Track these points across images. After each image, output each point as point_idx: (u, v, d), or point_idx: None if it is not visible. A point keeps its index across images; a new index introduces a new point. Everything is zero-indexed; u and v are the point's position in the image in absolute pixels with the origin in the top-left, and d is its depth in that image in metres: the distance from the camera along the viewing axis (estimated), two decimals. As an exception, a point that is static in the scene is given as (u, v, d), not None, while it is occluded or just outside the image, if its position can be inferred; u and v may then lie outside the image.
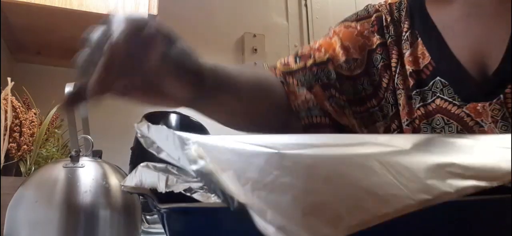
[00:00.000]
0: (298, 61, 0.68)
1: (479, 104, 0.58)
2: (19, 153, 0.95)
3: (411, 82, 0.65)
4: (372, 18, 0.71)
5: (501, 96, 0.57)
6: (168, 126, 1.30)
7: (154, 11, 1.19)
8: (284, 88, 0.67)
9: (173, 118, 1.30)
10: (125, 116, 1.54)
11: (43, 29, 1.31)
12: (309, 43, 1.83)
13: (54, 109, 1.05)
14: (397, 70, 0.67)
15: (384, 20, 0.70)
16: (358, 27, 0.71)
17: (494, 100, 0.57)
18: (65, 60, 1.45)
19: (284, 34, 1.85)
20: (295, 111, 0.67)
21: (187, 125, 1.30)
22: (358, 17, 0.73)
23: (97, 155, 0.77)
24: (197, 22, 1.73)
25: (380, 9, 0.72)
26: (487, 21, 0.61)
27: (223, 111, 0.60)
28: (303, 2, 1.90)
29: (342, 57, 0.68)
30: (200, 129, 1.29)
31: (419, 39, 0.66)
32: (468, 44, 0.61)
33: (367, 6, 0.75)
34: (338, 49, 0.68)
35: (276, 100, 0.66)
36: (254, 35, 1.77)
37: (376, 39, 0.69)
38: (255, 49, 1.74)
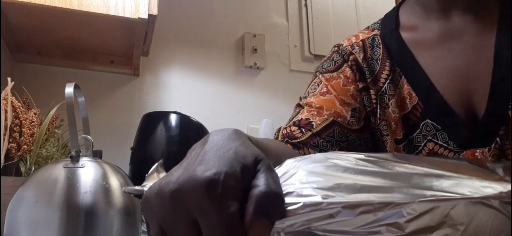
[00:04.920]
0: (304, 131, 0.64)
1: (478, 150, 0.55)
2: (19, 153, 0.95)
3: (400, 126, 0.62)
4: (350, 63, 0.68)
5: (498, 139, 0.54)
6: (168, 126, 1.30)
7: (154, 11, 1.18)
8: None
9: (173, 118, 1.30)
10: (125, 116, 1.54)
11: (43, 29, 1.31)
12: (309, 43, 1.83)
13: (54, 109, 1.05)
14: (377, 115, 0.65)
15: (361, 61, 0.67)
16: (341, 76, 0.68)
17: (493, 145, 0.54)
18: (65, 60, 1.47)
19: (284, 34, 1.85)
20: None
21: (187, 124, 1.30)
22: (336, 65, 0.69)
23: (97, 155, 0.77)
24: (197, 22, 1.73)
25: (353, 51, 0.69)
26: (469, 56, 0.58)
27: None
28: (303, 2, 1.90)
29: (347, 113, 0.65)
30: (200, 129, 1.29)
31: (403, 77, 0.63)
32: (453, 82, 0.58)
33: (338, 47, 0.71)
34: (339, 106, 0.65)
35: None
36: (254, 35, 1.77)
37: (359, 84, 0.67)
38: (255, 49, 1.74)
